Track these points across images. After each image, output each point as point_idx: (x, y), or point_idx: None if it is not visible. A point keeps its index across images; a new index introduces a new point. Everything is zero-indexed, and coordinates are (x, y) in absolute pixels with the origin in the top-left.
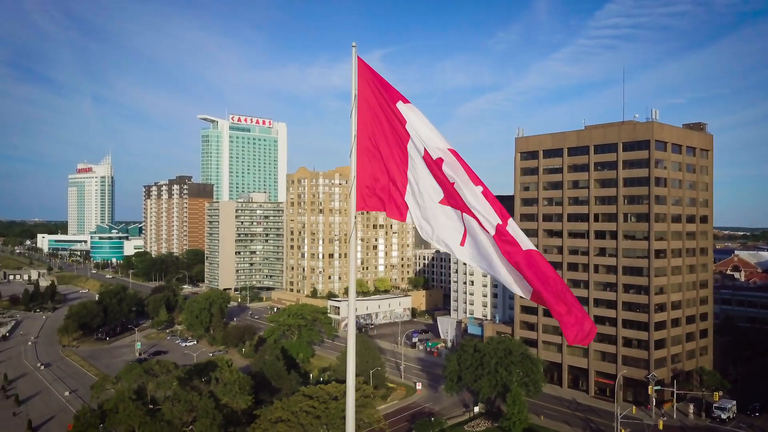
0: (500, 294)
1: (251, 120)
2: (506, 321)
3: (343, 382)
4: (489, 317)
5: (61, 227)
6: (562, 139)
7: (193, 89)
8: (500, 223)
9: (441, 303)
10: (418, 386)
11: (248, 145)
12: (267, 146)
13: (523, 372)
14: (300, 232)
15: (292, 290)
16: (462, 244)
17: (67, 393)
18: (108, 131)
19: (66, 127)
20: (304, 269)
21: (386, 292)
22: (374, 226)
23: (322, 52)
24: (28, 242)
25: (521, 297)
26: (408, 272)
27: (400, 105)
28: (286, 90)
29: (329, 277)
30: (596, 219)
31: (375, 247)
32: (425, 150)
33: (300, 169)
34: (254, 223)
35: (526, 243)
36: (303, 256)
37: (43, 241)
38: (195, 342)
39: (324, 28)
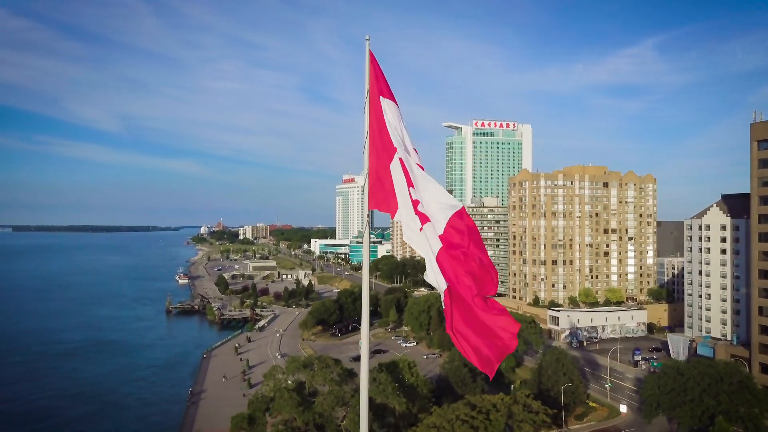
0: (743, 310)
1: (495, 124)
2: (746, 342)
3: (536, 396)
4: (728, 337)
5: (331, 233)
6: None
7: (445, 97)
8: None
9: None
10: (623, 408)
11: (491, 150)
12: (511, 149)
13: (739, 403)
14: (522, 237)
15: (514, 297)
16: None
17: (290, 382)
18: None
19: (343, 142)
20: (525, 276)
21: (619, 304)
22: (605, 231)
23: (584, 48)
24: (305, 246)
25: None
26: (648, 282)
27: (381, 100)
28: (544, 90)
29: (552, 285)
30: None
31: (606, 254)
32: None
33: (522, 171)
34: (485, 228)
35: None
36: (524, 262)
37: (315, 245)
38: (415, 344)
39: (587, 22)
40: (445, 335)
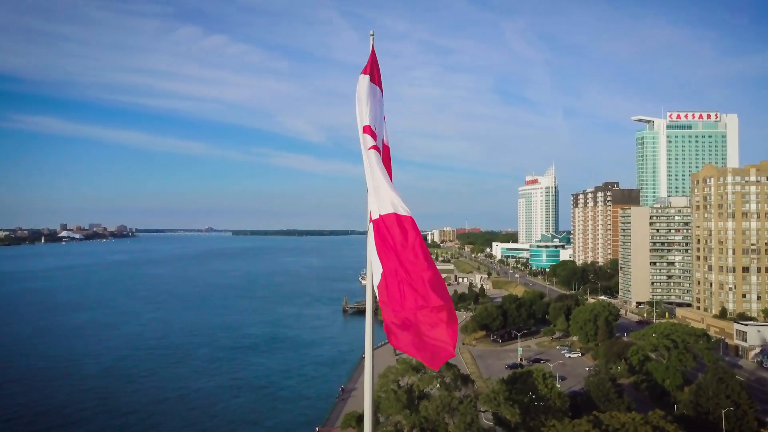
0: None
1: (692, 115)
2: None
3: (693, 419)
4: None
5: (515, 237)
6: None
7: (639, 89)
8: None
9: None
10: None
11: (688, 144)
12: (712, 143)
13: None
14: (707, 241)
15: (698, 308)
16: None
17: (403, 384)
18: (556, 142)
19: (538, 142)
20: (711, 284)
21: None
22: None
23: None
24: (487, 250)
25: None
26: None
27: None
28: (763, 73)
29: (743, 296)
30: None
31: None
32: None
33: (705, 166)
34: (672, 231)
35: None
36: (710, 269)
37: (497, 249)
38: (580, 354)
39: None
40: (612, 347)
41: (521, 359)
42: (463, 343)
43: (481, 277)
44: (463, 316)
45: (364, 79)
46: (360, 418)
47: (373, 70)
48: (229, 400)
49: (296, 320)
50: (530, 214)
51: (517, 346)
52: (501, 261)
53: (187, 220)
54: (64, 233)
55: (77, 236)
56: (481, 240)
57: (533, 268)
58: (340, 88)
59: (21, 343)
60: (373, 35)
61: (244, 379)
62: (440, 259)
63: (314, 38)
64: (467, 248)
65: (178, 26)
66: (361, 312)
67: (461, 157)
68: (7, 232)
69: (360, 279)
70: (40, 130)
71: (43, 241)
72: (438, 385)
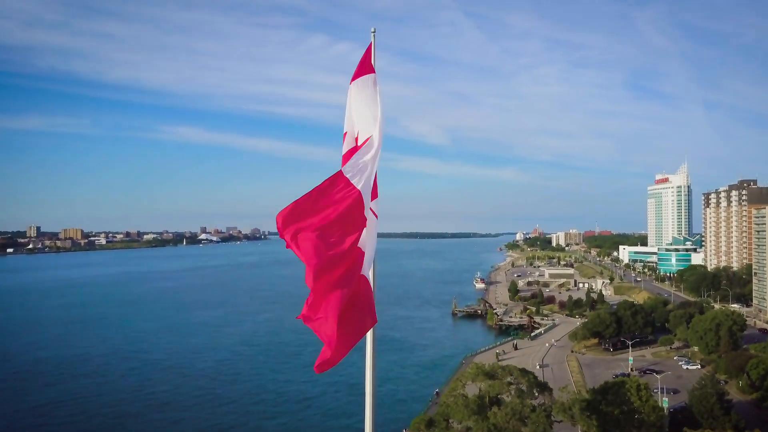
0: None
1: None
2: None
3: None
4: None
5: (643, 240)
6: None
7: None
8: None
9: None
10: None
11: None
12: None
13: None
14: None
15: None
16: None
17: (479, 390)
18: (690, 137)
19: (675, 138)
20: None
21: None
22: None
23: None
24: (614, 254)
25: None
26: None
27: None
28: None
29: None
30: None
31: None
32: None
33: None
34: None
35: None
36: None
37: (624, 252)
38: (699, 366)
39: None
40: (735, 360)
41: (632, 369)
42: (572, 351)
43: (603, 282)
44: (576, 322)
45: (372, 78)
46: (430, 422)
47: (366, 65)
48: (323, 396)
49: (405, 322)
50: (660, 216)
51: (626, 356)
52: (627, 265)
53: None
54: (203, 236)
55: (214, 239)
56: (609, 243)
57: (661, 273)
58: (463, 89)
59: (147, 339)
60: (374, 32)
61: (343, 377)
62: (562, 263)
63: (438, 41)
64: (593, 252)
65: (307, 36)
66: (471, 316)
67: (590, 156)
68: (155, 235)
69: (474, 282)
70: (182, 140)
71: (184, 243)
72: (512, 392)
